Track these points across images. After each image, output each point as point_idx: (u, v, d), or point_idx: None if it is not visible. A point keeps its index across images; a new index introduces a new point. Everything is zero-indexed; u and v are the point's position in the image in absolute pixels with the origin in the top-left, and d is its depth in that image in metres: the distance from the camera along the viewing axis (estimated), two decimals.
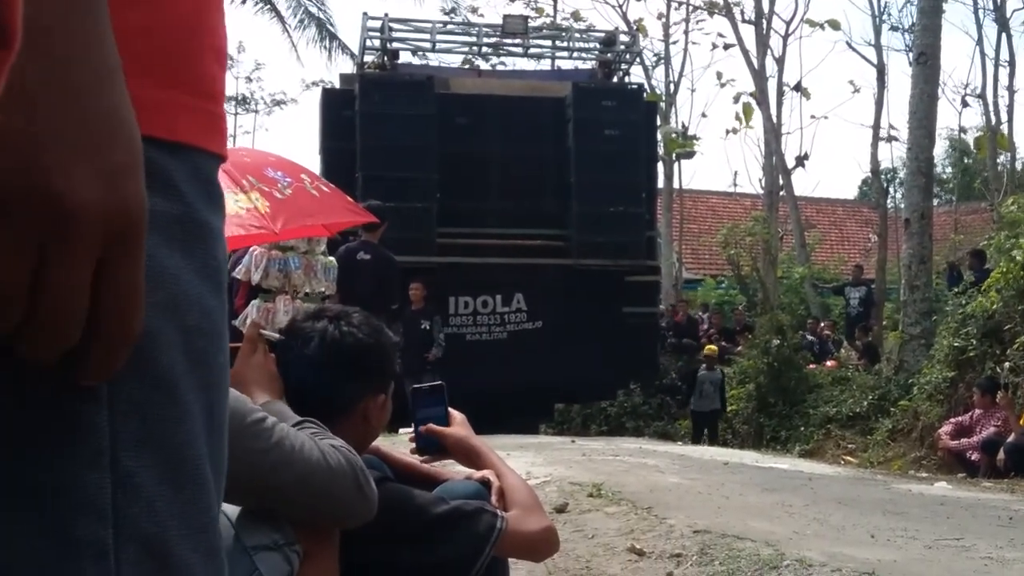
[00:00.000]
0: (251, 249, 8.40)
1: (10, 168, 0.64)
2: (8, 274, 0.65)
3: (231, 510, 1.92)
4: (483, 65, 20.39)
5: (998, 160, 25.69)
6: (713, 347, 16.39)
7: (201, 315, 0.83)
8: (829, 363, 17.41)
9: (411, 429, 2.56)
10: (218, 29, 0.88)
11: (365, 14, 15.97)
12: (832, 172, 63.77)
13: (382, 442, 2.58)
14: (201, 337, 0.83)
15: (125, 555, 0.75)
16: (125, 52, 0.72)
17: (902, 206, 17.50)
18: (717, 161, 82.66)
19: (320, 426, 2.13)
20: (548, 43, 18.24)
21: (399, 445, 3.16)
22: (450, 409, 2.55)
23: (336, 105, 14.96)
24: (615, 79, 16.63)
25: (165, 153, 0.79)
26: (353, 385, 2.28)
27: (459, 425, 2.53)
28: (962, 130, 29.04)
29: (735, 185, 32.38)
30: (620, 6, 26.51)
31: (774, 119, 23.70)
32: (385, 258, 9.57)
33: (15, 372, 0.71)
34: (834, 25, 23.17)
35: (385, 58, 15.86)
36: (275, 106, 30.05)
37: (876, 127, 23.37)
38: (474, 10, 28.44)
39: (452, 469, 2.67)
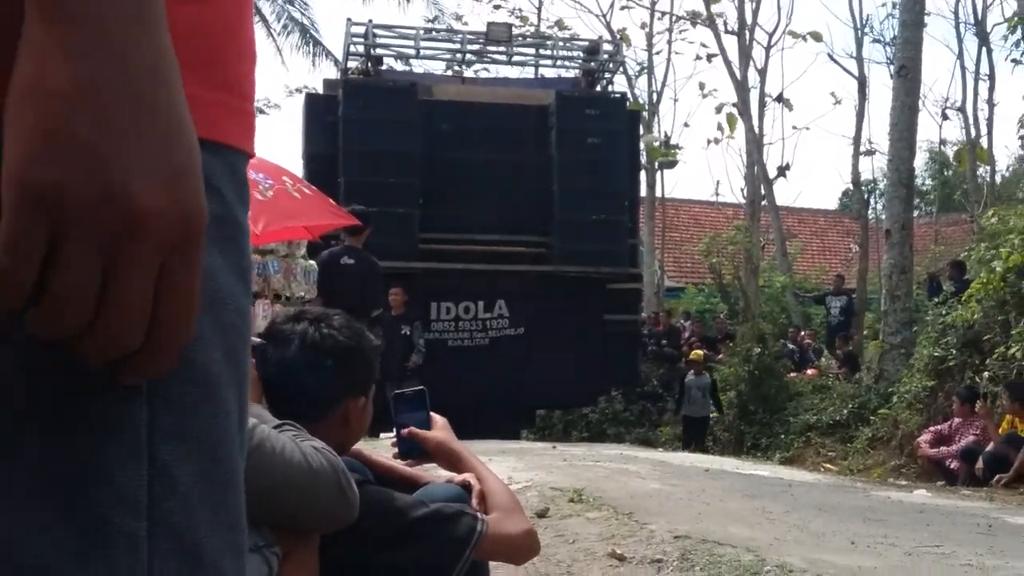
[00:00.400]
0: None
1: (80, 178, 0.65)
2: (79, 281, 0.66)
3: None
4: (467, 72, 20.36)
5: (978, 172, 25.85)
6: (699, 352, 16.35)
7: (236, 314, 0.83)
8: (810, 371, 17.45)
9: (393, 434, 2.54)
10: (250, 28, 0.89)
11: (349, 20, 16.00)
12: (813, 183, 64.03)
13: (363, 446, 2.57)
14: (236, 335, 0.83)
15: (157, 547, 0.75)
16: (175, 50, 0.72)
17: (883, 217, 17.57)
18: (699, 171, 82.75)
19: (299, 429, 2.11)
20: (532, 51, 18.29)
21: (380, 450, 3.15)
22: (432, 413, 2.54)
23: (319, 110, 14.96)
24: (598, 88, 16.67)
25: (206, 153, 0.79)
26: (333, 387, 2.27)
27: (441, 429, 2.53)
28: (942, 143, 29.24)
29: (717, 194, 32.61)
30: (603, 16, 26.66)
31: (756, 129, 23.79)
32: (369, 263, 9.50)
33: (56, 365, 0.71)
34: (816, 37, 23.30)
35: (369, 64, 15.85)
36: (259, 113, 29.90)
37: (857, 139, 23.50)
38: (458, 17, 28.52)
39: (433, 473, 2.66)
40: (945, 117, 26.57)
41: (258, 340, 2.31)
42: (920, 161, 28.67)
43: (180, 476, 0.77)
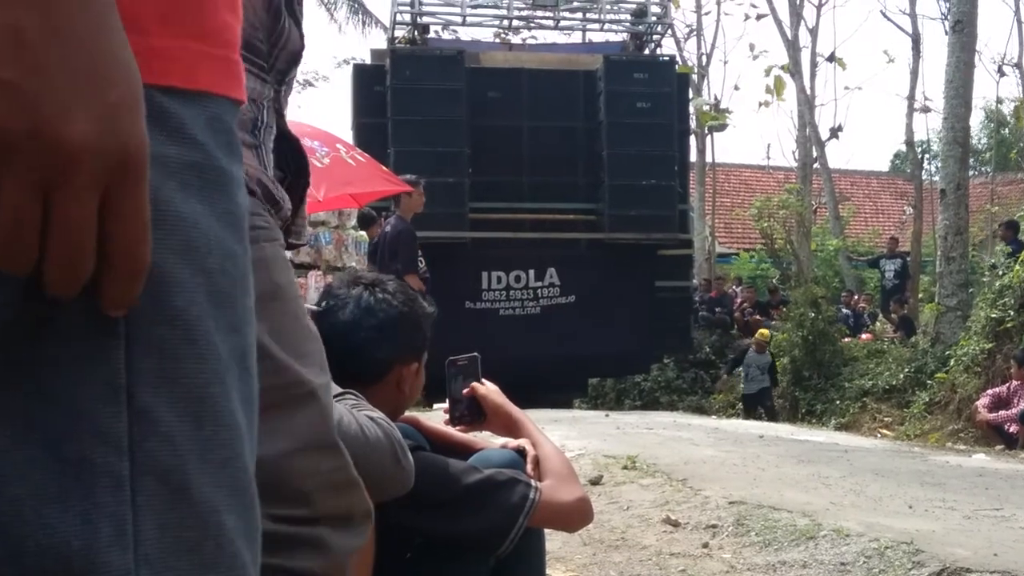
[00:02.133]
0: None
1: (11, 117, 0.68)
2: (19, 215, 0.70)
3: None
4: (514, 39, 20.26)
5: None
6: (765, 331, 16.15)
7: (223, 258, 0.85)
8: (864, 336, 17.29)
9: (446, 404, 2.55)
10: None
11: None
12: (866, 145, 63.08)
13: (418, 414, 2.57)
14: (225, 279, 0.85)
15: (141, 486, 0.77)
16: (143, 2, 0.76)
17: (937, 178, 17.31)
18: (750, 134, 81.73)
19: (359, 397, 2.12)
20: (579, 15, 18.14)
21: (434, 420, 3.16)
22: (484, 380, 2.54)
23: (367, 81, 14.97)
24: (646, 51, 16.53)
25: (180, 101, 0.82)
26: (386, 352, 2.28)
27: (494, 393, 2.53)
28: (998, 100, 28.67)
29: (768, 158, 32.13)
30: None
31: (808, 90, 23.46)
32: (397, 227, 9.30)
33: (36, 306, 0.74)
34: None
35: (415, 33, 15.83)
36: (307, 86, 29.88)
37: (911, 97, 23.10)
38: None
39: (488, 440, 2.66)
40: (1002, 74, 26.00)
41: (315, 308, 2.32)
42: (976, 119, 28.21)
43: (162, 416, 0.79)
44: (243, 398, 0.86)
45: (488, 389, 2.52)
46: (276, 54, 1.43)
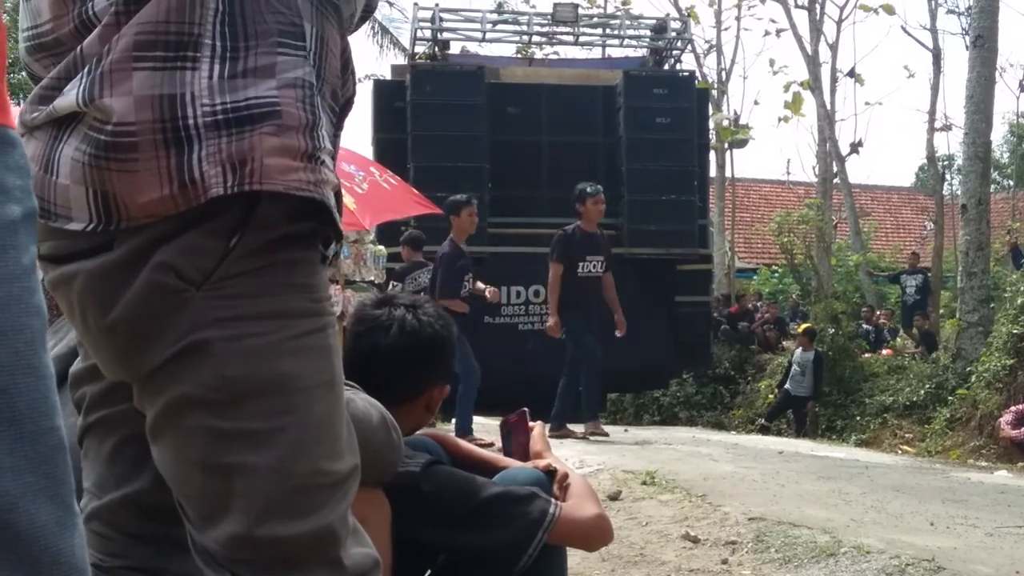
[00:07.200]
0: None
1: None
2: None
3: None
4: (534, 55, 20.30)
5: None
6: (808, 324, 16.01)
7: None
8: (885, 352, 17.21)
9: (452, 425, 2.59)
10: None
11: (416, 4, 16.01)
12: (887, 160, 62.69)
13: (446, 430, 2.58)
14: None
15: None
16: None
17: (958, 193, 17.23)
18: (770, 149, 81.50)
19: (356, 388, 2.13)
20: (598, 31, 18.17)
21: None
22: (529, 424, 2.56)
23: (388, 96, 15.02)
24: (666, 66, 16.54)
25: None
26: (427, 375, 2.31)
27: (540, 440, 2.55)
28: (1019, 115, 28.53)
29: (788, 173, 32.06)
30: None
31: (828, 105, 23.41)
32: (441, 251, 9.38)
33: None
34: (889, 10, 22.78)
35: (436, 48, 15.89)
36: None
37: (932, 113, 23.01)
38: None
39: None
40: (1023, 88, 25.87)
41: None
42: (998, 134, 28.03)
43: None
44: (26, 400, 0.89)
45: (534, 439, 2.54)
46: (341, 99, 1.47)
